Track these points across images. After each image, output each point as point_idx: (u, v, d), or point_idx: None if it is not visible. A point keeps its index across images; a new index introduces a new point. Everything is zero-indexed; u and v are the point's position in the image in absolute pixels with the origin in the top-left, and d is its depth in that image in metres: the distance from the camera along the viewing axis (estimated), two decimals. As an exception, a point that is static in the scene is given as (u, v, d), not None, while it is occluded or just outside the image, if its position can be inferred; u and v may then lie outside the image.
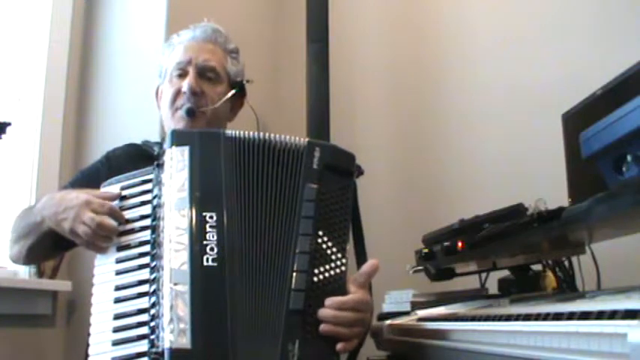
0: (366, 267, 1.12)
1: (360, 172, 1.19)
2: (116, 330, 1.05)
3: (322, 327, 1.03)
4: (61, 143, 2.13)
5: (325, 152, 1.14)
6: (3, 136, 1.28)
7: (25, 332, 1.91)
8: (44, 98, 2.10)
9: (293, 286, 1.04)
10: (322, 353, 1.03)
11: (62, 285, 1.96)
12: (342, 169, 1.15)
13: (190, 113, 1.38)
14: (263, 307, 1.02)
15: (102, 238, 1.12)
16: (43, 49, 2.13)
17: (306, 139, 1.16)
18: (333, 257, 1.09)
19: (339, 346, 1.04)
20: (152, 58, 2.09)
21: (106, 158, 1.46)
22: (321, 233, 1.08)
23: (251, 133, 1.14)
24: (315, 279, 1.06)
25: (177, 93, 1.42)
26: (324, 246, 1.08)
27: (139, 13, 2.22)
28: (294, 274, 1.04)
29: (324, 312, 1.05)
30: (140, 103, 2.10)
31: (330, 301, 1.05)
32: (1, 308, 1.83)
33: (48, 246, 1.29)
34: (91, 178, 1.32)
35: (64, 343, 2.00)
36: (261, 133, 1.14)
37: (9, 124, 1.28)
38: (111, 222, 1.12)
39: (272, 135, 1.14)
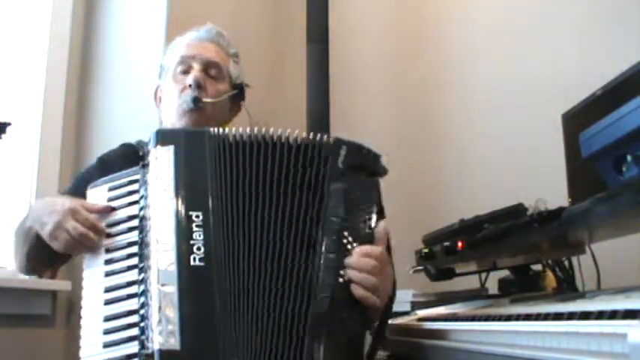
0: (377, 229, 1.10)
1: (385, 172, 1.18)
2: (107, 332, 1.04)
3: (348, 272, 1.04)
4: (61, 143, 2.13)
5: (352, 151, 1.13)
6: (3, 136, 1.27)
7: (24, 332, 1.91)
8: (44, 98, 2.10)
9: (319, 285, 1.02)
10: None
11: (62, 285, 1.96)
12: (367, 169, 1.14)
13: (196, 101, 1.37)
14: (262, 306, 1.01)
15: (81, 248, 1.12)
16: (43, 49, 2.13)
17: (333, 137, 1.14)
18: None
19: (361, 292, 1.03)
20: (152, 59, 2.09)
21: (99, 162, 1.45)
22: (346, 234, 1.07)
23: (242, 130, 1.12)
24: (341, 280, 1.04)
25: (183, 88, 1.41)
26: (349, 247, 1.07)
27: (139, 12, 2.22)
28: (320, 274, 1.03)
29: (348, 259, 1.05)
30: (140, 103, 2.10)
31: (356, 249, 1.06)
32: (1, 308, 1.83)
33: (45, 255, 1.26)
34: (85, 183, 1.29)
35: (64, 343, 2.00)
36: (263, 130, 1.12)
37: (9, 124, 1.28)
38: (91, 235, 1.11)
39: (276, 132, 1.12)
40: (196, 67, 1.42)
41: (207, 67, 1.43)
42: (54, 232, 1.13)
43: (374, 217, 1.11)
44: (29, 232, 1.24)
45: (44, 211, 1.18)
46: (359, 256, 1.06)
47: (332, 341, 1.00)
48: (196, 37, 1.48)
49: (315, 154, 1.11)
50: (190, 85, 1.39)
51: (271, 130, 1.12)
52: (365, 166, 1.14)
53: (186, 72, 1.43)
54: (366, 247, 1.07)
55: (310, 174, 1.09)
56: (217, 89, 1.43)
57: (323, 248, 1.05)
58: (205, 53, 1.44)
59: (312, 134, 1.13)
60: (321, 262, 1.04)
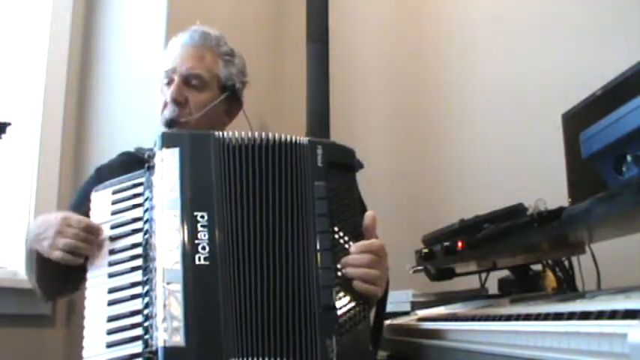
0: (365, 221, 1.14)
1: (360, 166, 1.21)
2: (110, 332, 1.06)
3: (347, 269, 1.08)
4: (61, 143, 2.13)
5: (327, 149, 1.16)
6: (3, 136, 1.27)
7: (25, 332, 1.91)
8: (44, 98, 2.10)
9: (320, 283, 1.06)
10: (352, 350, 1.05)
11: (62, 285, 1.96)
12: (344, 165, 1.17)
13: (170, 124, 1.38)
14: (265, 303, 1.03)
15: (84, 252, 1.13)
16: (43, 49, 2.13)
17: (307, 138, 1.16)
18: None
19: (364, 286, 1.07)
20: (152, 59, 2.09)
21: (96, 172, 1.46)
22: (336, 229, 1.11)
23: (245, 133, 1.14)
24: (339, 274, 1.08)
25: (165, 103, 1.40)
26: (342, 241, 1.11)
27: (139, 12, 2.22)
28: (320, 270, 1.06)
29: (346, 258, 1.09)
30: (140, 103, 2.10)
31: (353, 247, 1.10)
32: (1, 308, 1.83)
33: (54, 277, 1.27)
34: (87, 195, 1.28)
35: (64, 343, 2.00)
36: (256, 133, 1.14)
37: (9, 124, 1.28)
38: (90, 237, 1.13)
39: (272, 134, 1.14)
40: (176, 81, 1.39)
41: (188, 78, 1.40)
42: (54, 243, 1.14)
43: (358, 209, 1.16)
44: (30, 257, 1.25)
45: (39, 229, 1.19)
46: (356, 252, 1.10)
47: (342, 332, 1.04)
48: (180, 43, 1.44)
49: (296, 155, 1.13)
50: (169, 103, 1.39)
51: (275, 134, 1.14)
52: (342, 161, 1.17)
53: (170, 84, 1.41)
54: (362, 243, 1.11)
55: (296, 174, 1.12)
56: (200, 100, 1.40)
57: (318, 245, 1.08)
58: (185, 64, 1.40)
59: (288, 136, 1.15)
60: (318, 258, 1.07)
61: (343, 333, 1.04)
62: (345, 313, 1.05)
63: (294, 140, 1.14)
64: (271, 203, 1.09)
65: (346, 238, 1.11)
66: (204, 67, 1.42)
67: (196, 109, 1.39)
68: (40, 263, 1.24)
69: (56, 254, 1.14)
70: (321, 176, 1.12)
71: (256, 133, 1.13)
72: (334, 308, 1.05)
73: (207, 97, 1.41)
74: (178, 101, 1.38)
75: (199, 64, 1.42)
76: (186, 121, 1.38)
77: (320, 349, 1.01)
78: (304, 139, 1.16)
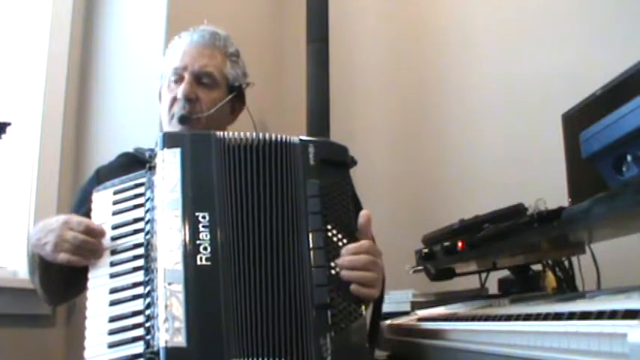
0: (359, 220, 1.14)
1: (354, 163, 1.21)
2: (112, 332, 1.06)
3: (343, 273, 1.08)
4: (61, 143, 2.13)
5: (319, 147, 1.16)
6: (3, 136, 1.27)
7: (25, 332, 1.91)
8: (44, 98, 2.10)
9: (314, 281, 1.06)
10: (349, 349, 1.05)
11: (62, 285, 1.96)
12: (337, 162, 1.18)
13: (183, 121, 1.38)
14: (266, 303, 1.03)
15: (87, 253, 1.13)
16: (43, 49, 2.13)
17: (299, 137, 1.17)
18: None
19: (361, 290, 1.07)
20: (152, 59, 2.09)
21: (96, 173, 1.46)
22: (329, 227, 1.11)
23: (242, 133, 1.14)
24: (333, 272, 1.08)
25: (174, 100, 1.41)
26: (335, 239, 1.11)
27: (139, 13, 2.22)
28: (313, 269, 1.07)
29: (341, 260, 1.08)
30: (140, 103, 2.10)
31: (344, 249, 1.10)
32: (1, 308, 1.83)
33: (59, 281, 1.27)
34: (87, 196, 1.29)
35: (64, 343, 2.00)
36: (254, 133, 1.14)
37: (9, 124, 1.28)
38: (91, 239, 1.13)
39: (265, 134, 1.15)
40: (187, 78, 1.40)
41: (199, 76, 1.41)
42: (56, 247, 1.15)
43: (351, 206, 1.16)
44: (32, 260, 1.26)
45: (40, 233, 1.19)
46: (351, 254, 1.09)
47: (337, 331, 1.04)
48: (189, 42, 1.45)
49: (288, 154, 1.14)
50: (180, 99, 1.39)
51: (270, 134, 1.15)
52: (334, 159, 1.18)
53: (178, 81, 1.42)
54: (355, 244, 1.11)
55: (289, 173, 1.13)
56: (211, 98, 1.41)
57: (311, 244, 1.08)
58: (197, 63, 1.42)
59: (282, 136, 1.15)
60: (311, 257, 1.08)
61: (337, 331, 1.04)
62: (340, 312, 1.06)
63: (285, 139, 1.15)
64: (268, 203, 1.10)
65: (340, 236, 1.11)
66: (214, 66, 1.44)
67: (207, 107, 1.40)
68: (44, 268, 1.24)
69: (61, 257, 1.15)
70: (314, 174, 1.13)
71: (252, 134, 1.14)
72: (328, 307, 1.05)
73: (217, 96, 1.43)
74: (190, 98, 1.39)
75: (210, 62, 1.43)
76: (198, 118, 1.39)
77: (314, 348, 1.02)
78: (296, 138, 1.16)
